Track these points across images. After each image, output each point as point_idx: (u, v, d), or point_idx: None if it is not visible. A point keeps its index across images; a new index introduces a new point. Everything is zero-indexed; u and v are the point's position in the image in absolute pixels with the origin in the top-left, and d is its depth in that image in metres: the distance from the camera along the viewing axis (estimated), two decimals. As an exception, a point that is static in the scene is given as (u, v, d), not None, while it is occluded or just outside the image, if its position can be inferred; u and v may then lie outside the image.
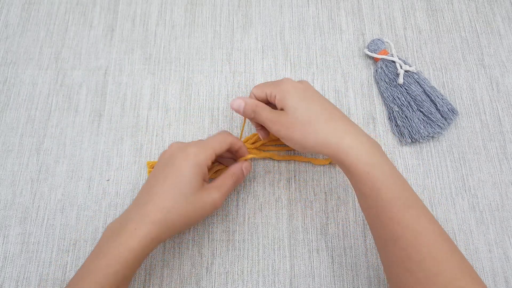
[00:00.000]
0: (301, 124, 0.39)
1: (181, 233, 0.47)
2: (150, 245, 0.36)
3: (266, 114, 0.42)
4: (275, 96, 0.41)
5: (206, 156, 0.40)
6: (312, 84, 0.54)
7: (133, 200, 0.40)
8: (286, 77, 0.47)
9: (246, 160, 0.45)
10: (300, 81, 0.43)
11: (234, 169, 0.43)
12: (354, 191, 0.39)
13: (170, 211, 0.37)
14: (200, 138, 0.51)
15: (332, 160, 0.39)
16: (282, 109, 0.41)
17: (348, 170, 0.37)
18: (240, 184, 0.49)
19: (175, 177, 0.38)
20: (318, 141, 0.38)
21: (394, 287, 0.36)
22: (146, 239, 0.36)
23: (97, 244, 0.37)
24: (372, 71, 0.55)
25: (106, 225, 0.46)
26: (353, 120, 0.52)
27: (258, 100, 0.44)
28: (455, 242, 0.47)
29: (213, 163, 0.44)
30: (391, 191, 0.35)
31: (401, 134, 0.51)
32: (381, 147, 0.38)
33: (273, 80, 0.53)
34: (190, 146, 0.40)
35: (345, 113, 0.53)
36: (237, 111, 0.44)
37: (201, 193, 0.39)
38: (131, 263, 0.35)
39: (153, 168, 0.46)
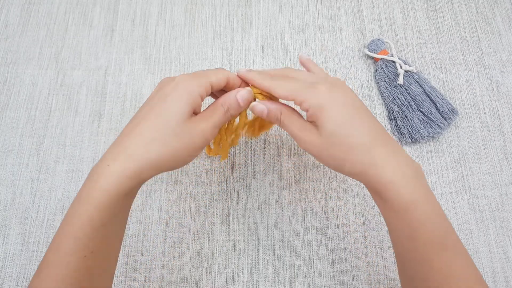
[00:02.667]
0: (338, 150, 0.33)
1: (171, 172, 0.41)
2: (128, 183, 0.31)
3: (295, 126, 0.36)
4: (306, 109, 0.34)
5: (199, 83, 0.34)
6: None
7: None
8: (322, 78, 0.37)
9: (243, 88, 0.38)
10: (337, 84, 0.35)
11: (226, 96, 0.36)
12: (387, 226, 0.35)
13: (151, 143, 0.32)
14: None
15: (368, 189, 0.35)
16: (313, 122, 0.35)
17: (385, 205, 0.33)
18: (240, 184, 0.49)
19: (159, 107, 0.33)
20: (355, 171, 0.33)
21: None
22: (121, 177, 0.31)
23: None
24: (372, 71, 0.55)
25: None
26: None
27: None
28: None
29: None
30: (429, 231, 0.31)
31: (401, 134, 0.51)
32: (424, 176, 0.34)
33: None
34: (180, 75, 0.35)
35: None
36: (257, 115, 0.38)
37: (188, 123, 0.33)
38: (107, 205, 0.30)
39: None
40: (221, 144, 0.42)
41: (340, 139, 0.33)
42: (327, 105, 0.33)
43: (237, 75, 0.38)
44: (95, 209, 0.30)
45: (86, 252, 0.30)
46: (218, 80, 0.35)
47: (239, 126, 0.41)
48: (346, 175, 0.35)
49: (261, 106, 0.37)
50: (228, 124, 0.41)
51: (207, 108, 0.36)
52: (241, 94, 0.36)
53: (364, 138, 0.33)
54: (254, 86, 0.38)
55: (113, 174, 0.31)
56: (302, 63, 0.41)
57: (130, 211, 0.44)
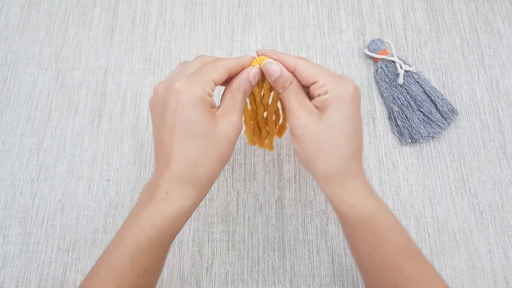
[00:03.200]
0: (330, 142, 0.33)
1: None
2: (185, 208, 0.32)
3: (297, 101, 0.34)
4: (325, 92, 0.33)
5: (202, 87, 0.32)
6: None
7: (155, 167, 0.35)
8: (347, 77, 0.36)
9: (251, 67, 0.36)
10: (358, 90, 0.35)
11: (240, 80, 0.35)
12: (346, 237, 0.36)
13: (197, 166, 0.32)
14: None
15: (329, 200, 0.35)
16: (318, 107, 0.34)
17: (346, 216, 0.33)
18: (240, 184, 0.49)
19: (180, 124, 0.32)
20: (327, 171, 0.33)
21: None
22: (179, 204, 0.31)
23: (129, 214, 0.33)
24: (372, 71, 0.55)
25: (106, 225, 0.46)
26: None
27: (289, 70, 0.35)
28: (455, 243, 0.47)
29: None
30: (394, 240, 0.32)
31: (401, 134, 0.51)
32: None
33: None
34: (178, 81, 0.32)
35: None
36: (266, 75, 0.36)
37: (217, 124, 0.33)
38: (167, 229, 0.31)
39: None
40: (267, 139, 0.41)
41: (340, 136, 0.33)
42: (348, 100, 0.33)
43: (259, 53, 0.37)
44: (156, 233, 0.31)
45: (140, 271, 0.31)
46: (219, 75, 0.34)
47: (272, 104, 0.40)
48: (312, 171, 0.34)
49: (275, 66, 0.35)
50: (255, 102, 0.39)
51: (224, 97, 0.35)
52: (253, 74, 0.36)
53: (354, 142, 0.33)
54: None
55: (171, 202, 0.31)
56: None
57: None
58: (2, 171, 0.49)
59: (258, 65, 0.36)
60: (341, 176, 0.33)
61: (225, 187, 0.49)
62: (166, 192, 0.32)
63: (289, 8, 0.59)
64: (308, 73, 0.34)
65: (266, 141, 0.42)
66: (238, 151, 0.51)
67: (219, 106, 0.35)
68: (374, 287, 0.34)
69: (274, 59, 0.36)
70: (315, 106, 0.34)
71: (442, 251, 0.46)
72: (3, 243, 0.46)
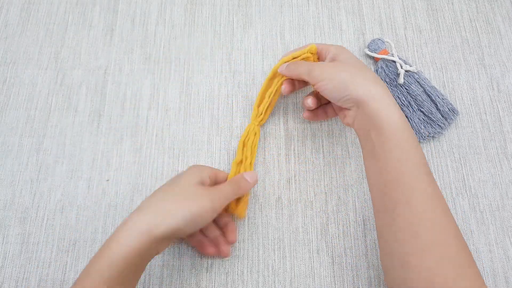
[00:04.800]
0: (351, 67, 0.41)
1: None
2: (145, 253, 0.35)
3: (308, 65, 0.44)
4: (332, 51, 0.45)
5: (207, 167, 0.43)
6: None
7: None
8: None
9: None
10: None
11: (235, 177, 0.43)
12: (367, 159, 0.40)
13: (165, 204, 0.37)
14: (199, 138, 0.51)
15: (369, 117, 0.39)
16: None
17: (387, 127, 0.37)
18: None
19: (173, 179, 0.40)
20: (356, 93, 0.39)
21: (385, 252, 0.37)
22: (136, 248, 0.34)
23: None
24: (373, 71, 0.55)
25: (106, 225, 0.46)
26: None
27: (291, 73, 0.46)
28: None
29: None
30: (416, 154, 0.36)
31: (401, 134, 0.51)
32: None
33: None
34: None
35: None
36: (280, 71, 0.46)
37: (198, 189, 0.39)
38: (125, 268, 0.34)
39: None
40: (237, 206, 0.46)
41: (355, 62, 0.42)
42: (346, 49, 0.45)
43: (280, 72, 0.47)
44: (114, 271, 0.33)
45: None
46: (218, 172, 0.43)
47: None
48: (342, 101, 0.41)
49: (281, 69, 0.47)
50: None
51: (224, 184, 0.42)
52: (248, 174, 0.43)
53: (367, 75, 0.41)
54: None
55: (129, 247, 0.34)
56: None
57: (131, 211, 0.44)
58: (1, 171, 0.49)
59: (255, 172, 0.45)
60: (381, 94, 0.39)
61: (225, 187, 0.49)
62: (133, 223, 0.35)
63: (289, 8, 0.59)
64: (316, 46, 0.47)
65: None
66: (238, 151, 0.50)
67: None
68: (383, 200, 0.37)
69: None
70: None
71: (442, 251, 0.46)
72: (2, 243, 0.45)
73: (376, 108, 0.38)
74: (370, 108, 0.38)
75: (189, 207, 0.36)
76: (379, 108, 0.38)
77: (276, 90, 0.48)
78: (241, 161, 0.46)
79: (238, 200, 0.44)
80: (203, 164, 0.43)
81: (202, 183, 0.40)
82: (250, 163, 0.46)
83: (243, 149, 0.47)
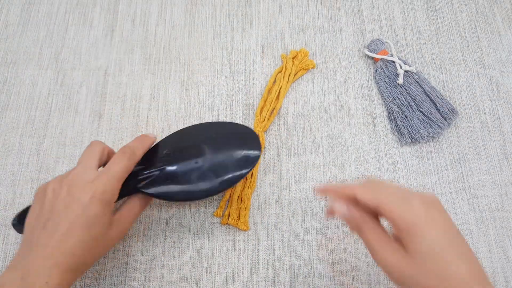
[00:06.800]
0: (431, 276, 0.28)
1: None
2: None
3: (374, 237, 0.31)
4: (393, 221, 0.30)
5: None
6: (312, 85, 0.54)
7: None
8: (415, 193, 0.32)
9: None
10: (434, 203, 0.31)
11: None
12: None
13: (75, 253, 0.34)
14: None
15: None
16: (397, 236, 0.31)
17: None
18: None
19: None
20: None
21: None
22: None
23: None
24: (372, 71, 0.55)
25: None
26: (353, 120, 0.52)
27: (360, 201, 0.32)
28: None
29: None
30: None
31: (401, 134, 0.51)
32: None
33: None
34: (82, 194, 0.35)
35: (345, 113, 0.53)
36: (338, 213, 0.34)
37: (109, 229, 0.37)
38: None
39: None
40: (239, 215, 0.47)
41: (438, 265, 0.28)
42: (424, 224, 0.29)
43: (318, 191, 0.36)
44: None
45: None
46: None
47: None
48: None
49: (342, 207, 0.33)
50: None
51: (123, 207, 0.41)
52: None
53: (463, 269, 0.28)
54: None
55: None
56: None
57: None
58: (2, 171, 0.49)
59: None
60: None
61: (225, 187, 0.49)
62: (46, 282, 0.32)
63: (289, 8, 0.59)
64: (367, 198, 0.31)
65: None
66: (238, 151, 0.51)
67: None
68: None
69: (333, 195, 0.34)
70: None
71: (442, 251, 0.46)
72: (3, 243, 0.45)
73: None
74: None
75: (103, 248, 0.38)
76: None
77: (277, 96, 0.50)
78: None
79: (238, 213, 0.46)
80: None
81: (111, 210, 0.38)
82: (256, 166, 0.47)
83: None
